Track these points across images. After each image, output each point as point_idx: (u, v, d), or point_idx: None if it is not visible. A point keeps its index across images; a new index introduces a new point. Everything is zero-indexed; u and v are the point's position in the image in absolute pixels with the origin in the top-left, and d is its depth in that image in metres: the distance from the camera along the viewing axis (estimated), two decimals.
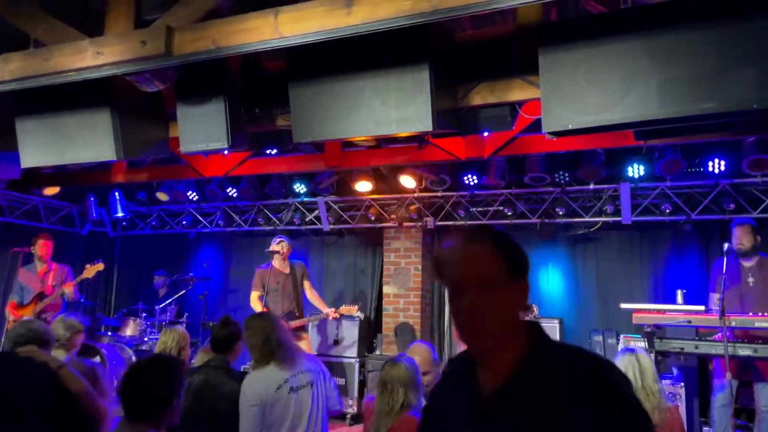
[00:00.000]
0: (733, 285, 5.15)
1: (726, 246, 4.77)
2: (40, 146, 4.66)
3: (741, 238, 5.16)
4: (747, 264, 5.23)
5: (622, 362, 3.47)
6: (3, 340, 6.20)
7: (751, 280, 5.17)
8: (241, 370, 7.55)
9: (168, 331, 4.15)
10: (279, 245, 6.53)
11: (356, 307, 6.72)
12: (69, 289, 6.44)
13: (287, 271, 6.62)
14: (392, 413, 2.99)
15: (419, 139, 5.19)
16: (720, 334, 4.66)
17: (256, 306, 6.56)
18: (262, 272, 6.59)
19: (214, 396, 3.34)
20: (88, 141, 4.45)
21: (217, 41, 3.38)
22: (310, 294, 6.75)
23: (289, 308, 6.48)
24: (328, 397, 3.62)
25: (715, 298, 5.13)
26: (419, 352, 3.50)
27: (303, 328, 6.70)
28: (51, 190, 7.56)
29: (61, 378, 3.01)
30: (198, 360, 3.96)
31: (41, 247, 6.66)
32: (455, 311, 1.50)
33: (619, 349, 5.56)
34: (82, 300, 7.68)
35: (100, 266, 6.64)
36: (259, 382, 3.38)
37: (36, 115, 4.61)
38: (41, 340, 3.31)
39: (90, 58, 3.66)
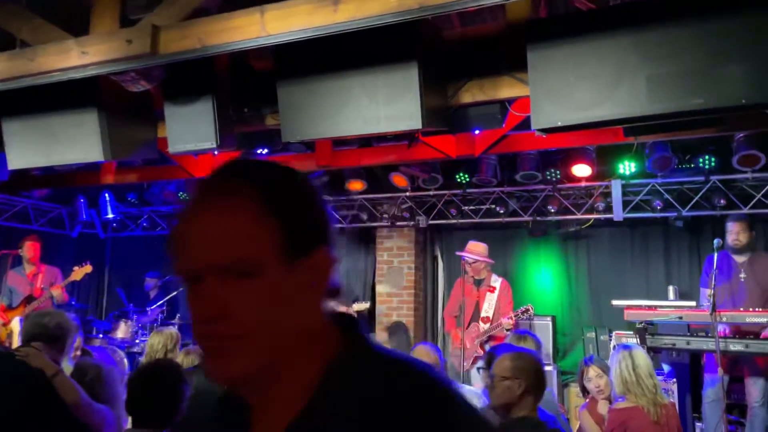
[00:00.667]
0: (724, 281, 5.16)
1: (717, 242, 4.77)
2: (27, 147, 4.62)
3: (738, 234, 5.17)
4: (739, 260, 5.24)
5: (616, 359, 3.48)
6: None
7: (742, 276, 5.18)
8: None
9: (156, 333, 4.12)
10: None
11: (367, 304, 6.72)
12: (58, 292, 6.39)
13: None
14: None
15: (409, 137, 5.17)
16: (721, 330, 4.67)
17: None
18: None
19: (209, 398, 3.31)
20: (76, 142, 4.42)
21: (203, 40, 3.35)
22: None
23: None
24: None
25: (707, 292, 5.14)
26: (425, 353, 3.49)
27: None
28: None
29: (54, 386, 2.91)
30: (180, 361, 3.90)
31: (28, 249, 6.62)
32: (192, 318, 0.87)
33: (612, 346, 5.58)
34: (72, 302, 7.62)
35: (88, 268, 6.60)
36: None
37: (22, 116, 4.57)
38: (49, 336, 3.06)
39: (75, 57, 3.62)
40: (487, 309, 5.98)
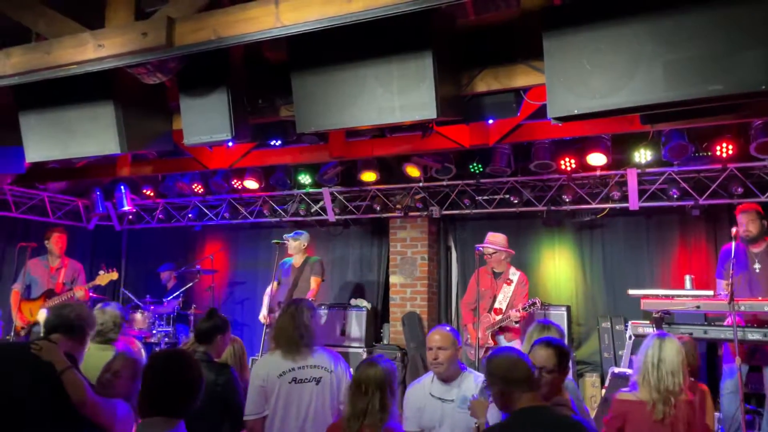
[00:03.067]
0: (741, 271, 5.10)
1: (734, 230, 4.72)
2: (44, 140, 4.67)
3: (747, 224, 5.10)
4: (754, 250, 5.18)
5: (646, 345, 3.34)
6: (12, 332, 6.24)
7: (757, 266, 5.12)
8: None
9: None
10: (290, 240, 6.75)
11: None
12: (81, 293, 6.37)
13: (298, 265, 6.75)
14: (365, 418, 2.75)
15: (423, 127, 5.16)
16: (729, 319, 4.62)
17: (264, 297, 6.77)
18: (281, 266, 6.87)
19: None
20: (92, 134, 4.46)
21: (218, 31, 3.36)
22: (310, 287, 6.61)
23: (284, 299, 6.52)
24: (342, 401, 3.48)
25: (723, 284, 5.09)
26: (439, 330, 3.52)
27: None
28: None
29: (62, 382, 2.89)
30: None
31: (56, 241, 6.59)
32: None
33: (627, 336, 5.54)
34: (90, 293, 7.71)
35: (114, 275, 6.56)
36: (264, 366, 3.48)
37: (39, 109, 4.62)
38: (67, 327, 3.09)
39: (91, 50, 3.64)
40: (501, 301, 5.96)
